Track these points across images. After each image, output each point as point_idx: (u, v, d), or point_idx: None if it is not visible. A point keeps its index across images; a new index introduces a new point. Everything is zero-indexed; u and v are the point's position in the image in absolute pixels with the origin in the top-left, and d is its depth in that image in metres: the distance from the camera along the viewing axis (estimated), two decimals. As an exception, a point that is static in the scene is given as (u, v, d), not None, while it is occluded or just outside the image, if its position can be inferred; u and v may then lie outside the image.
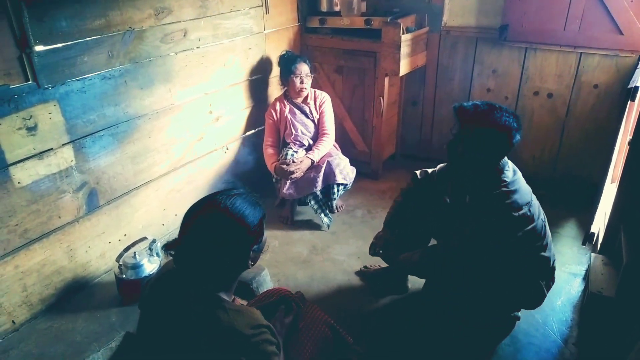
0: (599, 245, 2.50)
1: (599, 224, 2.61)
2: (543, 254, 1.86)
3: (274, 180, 3.03)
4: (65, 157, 2.14)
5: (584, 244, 2.62)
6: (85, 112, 2.17)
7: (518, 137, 1.77)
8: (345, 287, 2.47)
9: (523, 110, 3.30)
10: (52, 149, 2.07)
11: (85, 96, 2.15)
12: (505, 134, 1.74)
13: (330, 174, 2.88)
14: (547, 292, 1.93)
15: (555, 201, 3.13)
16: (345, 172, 2.92)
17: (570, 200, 3.17)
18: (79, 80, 2.11)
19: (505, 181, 1.78)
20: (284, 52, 3.04)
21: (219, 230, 1.21)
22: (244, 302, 2.21)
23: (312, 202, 2.93)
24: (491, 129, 1.74)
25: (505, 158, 1.86)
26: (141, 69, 2.37)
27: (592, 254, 2.44)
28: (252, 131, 3.24)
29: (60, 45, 2.00)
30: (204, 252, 1.20)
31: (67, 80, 2.07)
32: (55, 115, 2.05)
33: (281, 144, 3.08)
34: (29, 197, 2.03)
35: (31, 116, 1.96)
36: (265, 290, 1.74)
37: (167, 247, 1.26)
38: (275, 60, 3.15)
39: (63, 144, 2.11)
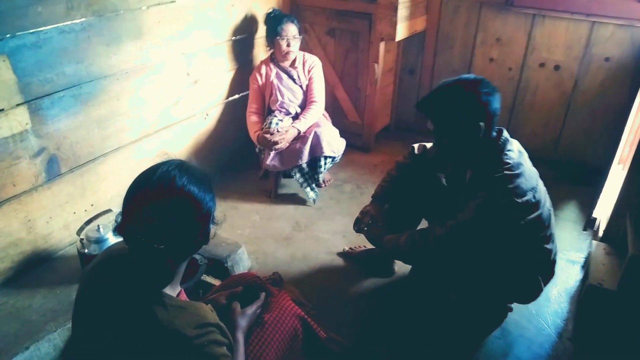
0: (600, 232, 2.33)
1: (603, 209, 2.44)
2: (545, 246, 1.68)
3: (257, 150, 2.83)
4: (19, 119, 1.92)
5: (584, 229, 2.45)
6: (42, 69, 1.94)
7: (492, 100, 1.57)
8: (328, 267, 2.31)
9: (527, 83, 3.08)
10: (2, 110, 1.85)
11: (40, 52, 1.92)
12: (470, 92, 1.57)
13: (317, 146, 2.68)
14: (545, 286, 1.76)
15: (556, 181, 2.95)
16: (333, 144, 2.72)
17: (572, 180, 2.99)
18: (32, 33, 1.87)
19: (509, 163, 1.58)
20: (270, 11, 2.78)
21: (174, 212, 1.03)
22: (217, 283, 2.05)
23: (298, 175, 2.74)
24: (452, 97, 1.59)
25: (507, 136, 1.66)
26: (107, 22, 2.13)
27: (594, 242, 2.27)
28: (236, 96, 3.01)
29: (8, -9, 1.76)
30: (156, 238, 1.01)
31: (18, 32, 1.83)
32: (4, 72, 1.82)
33: (266, 112, 2.87)
34: (-24, 163, 1.83)
35: (-25, 72, 1.74)
36: (230, 276, 1.57)
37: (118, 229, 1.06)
38: (262, 19, 2.89)
39: (16, 105, 1.89)
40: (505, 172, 1.56)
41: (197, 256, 2.09)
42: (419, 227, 2.13)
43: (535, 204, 1.59)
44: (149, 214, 1.00)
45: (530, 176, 1.61)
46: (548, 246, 1.69)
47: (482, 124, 1.57)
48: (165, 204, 1.01)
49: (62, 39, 1.98)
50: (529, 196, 1.56)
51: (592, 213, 2.43)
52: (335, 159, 2.80)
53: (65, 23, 1.97)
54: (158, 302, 1.02)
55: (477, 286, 1.72)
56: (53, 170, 2.10)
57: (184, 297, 1.15)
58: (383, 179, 2.09)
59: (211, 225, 1.11)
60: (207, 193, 1.07)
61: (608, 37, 2.78)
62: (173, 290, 1.10)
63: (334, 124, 2.98)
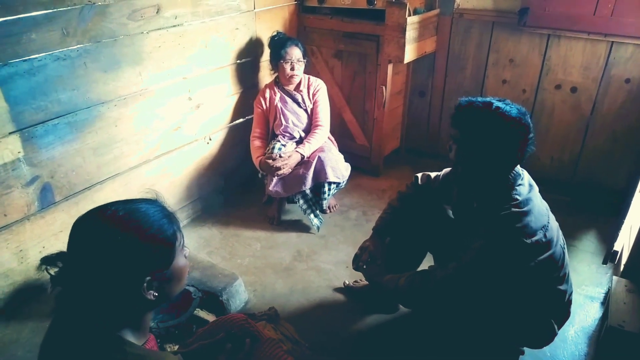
0: (622, 266, 2.17)
1: (624, 241, 2.28)
2: (559, 287, 1.54)
3: (259, 175, 2.75)
4: (11, 148, 1.88)
5: (604, 262, 2.29)
6: (35, 97, 1.91)
7: (532, 148, 1.46)
8: (328, 302, 2.20)
9: (542, 106, 2.95)
10: (-7, 138, 1.82)
11: (34, 79, 1.88)
12: (519, 134, 1.43)
13: (321, 171, 2.59)
14: (559, 329, 1.62)
15: (574, 209, 2.80)
16: (337, 169, 2.62)
17: (592, 209, 2.83)
18: (25, 60, 1.84)
19: (517, 199, 1.46)
20: (275, 34, 2.73)
21: (103, 243, 0.93)
22: (211, 318, 1.95)
23: (301, 202, 2.65)
24: (494, 137, 1.43)
25: (520, 169, 1.54)
26: (104, 49, 2.09)
27: (614, 277, 2.11)
28: (240, 120, 2.95)
29: None
30: (86, 273, 0.93)
31: (11, 60, 1.80)
32: (-5, 101, 1.79)
33: (270, 136, 2.80)
34: (-35, 193, 1.79)
35: (-35, 101, 1.71)
36: (214, 319, 1.47)
37: (46, 260, 0.97)
38: (266, 42, 2.84)
39: (9, 133, 1.86)
40: (513, 209, 1.44)
41: (191, 289, 2.01)
42: (423, 262, 2.02)
43: (547, 243, 1.46)
44: (83, 246, 0.93)
45: (541, 213, 1.48)
46: (562, 287, 1.56)
47: (505, 164, 1.48)
48: (89, 226, 0.94)
49: (57, 66, 1.94)
50: (539, 235, 1.43)
51: (613, 245, 2.27)
52: (340, 185, 2.71)
53: (60, 50, 1.94)
54: (118, 350, 0.93)
55: (483, 330, 1.59)
56: (46, 198, 2.06)
57: (151, 344, 1.05)
58: (384, 210, 1.98)
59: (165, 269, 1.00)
60: (165, 221, 0.98)
61: (628, 57, 2.64)
62: (138, 339, 1.01)
63: (341, 146, 2.90)
